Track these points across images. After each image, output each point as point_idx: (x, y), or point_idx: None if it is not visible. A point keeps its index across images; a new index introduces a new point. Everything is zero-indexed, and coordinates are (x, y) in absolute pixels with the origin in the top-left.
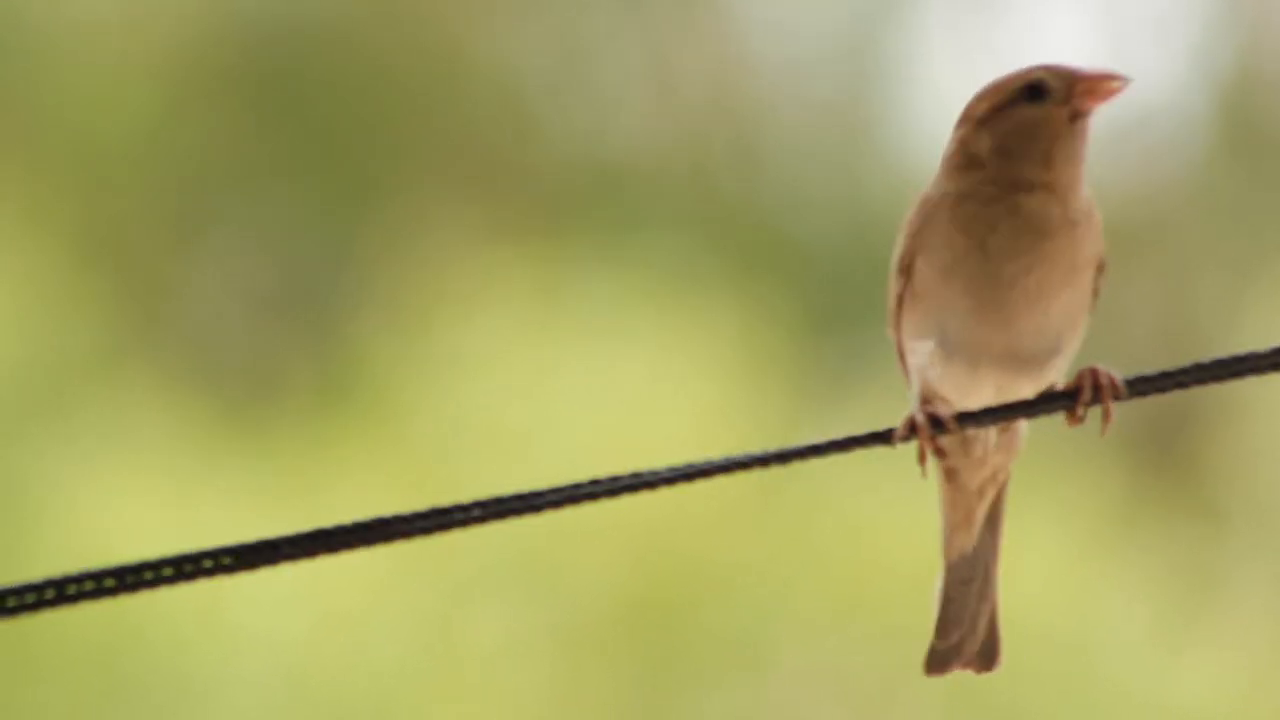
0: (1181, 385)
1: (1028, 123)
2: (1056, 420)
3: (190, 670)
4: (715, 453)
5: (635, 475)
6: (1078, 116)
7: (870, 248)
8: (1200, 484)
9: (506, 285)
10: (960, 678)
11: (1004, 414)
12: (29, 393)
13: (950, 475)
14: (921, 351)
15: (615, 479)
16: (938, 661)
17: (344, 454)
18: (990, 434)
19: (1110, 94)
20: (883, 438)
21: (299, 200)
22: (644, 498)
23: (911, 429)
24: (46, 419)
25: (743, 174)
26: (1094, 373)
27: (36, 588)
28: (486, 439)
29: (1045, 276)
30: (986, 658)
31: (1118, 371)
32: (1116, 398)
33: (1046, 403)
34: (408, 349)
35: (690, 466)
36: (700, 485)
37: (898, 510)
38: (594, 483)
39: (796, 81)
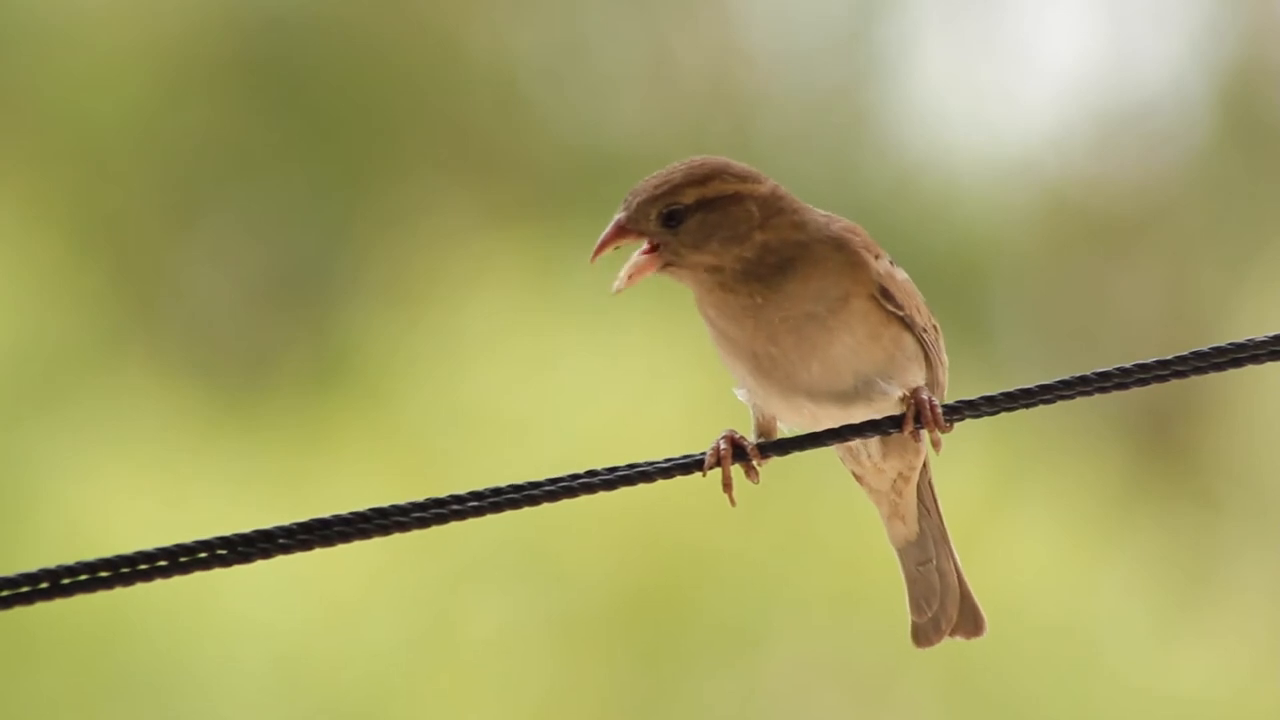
0: (1180, 374)
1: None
2: (1055, 410)
3: (187, 660)
4: (712, 442)
5: (632, 466)
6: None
7: None
8: (1199, 472)
9: (503, 272)
10: (956, 665)
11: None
12: (24, 381)
13: (858, 479)
14: (743, 393)
15: (612, 470)
16: (923, 635)
17: (340, 442)
18: (871, 444)
19: None
20: (894, 422)
21: (295, 188)
22: (641, 486)
23: (717, 459)
24: (42, 408)
25: (740, 162)
26: (917, 401)
27: (32, 578)
28: (483, 427)
29: (795, 342)
30: (972, 625)
31: (938, 398)
32: (937, 425)
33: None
34: (404, 336)
35: (687, 457)
36: (698, 474)
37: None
38: (591, 474)
39: (794, 72)
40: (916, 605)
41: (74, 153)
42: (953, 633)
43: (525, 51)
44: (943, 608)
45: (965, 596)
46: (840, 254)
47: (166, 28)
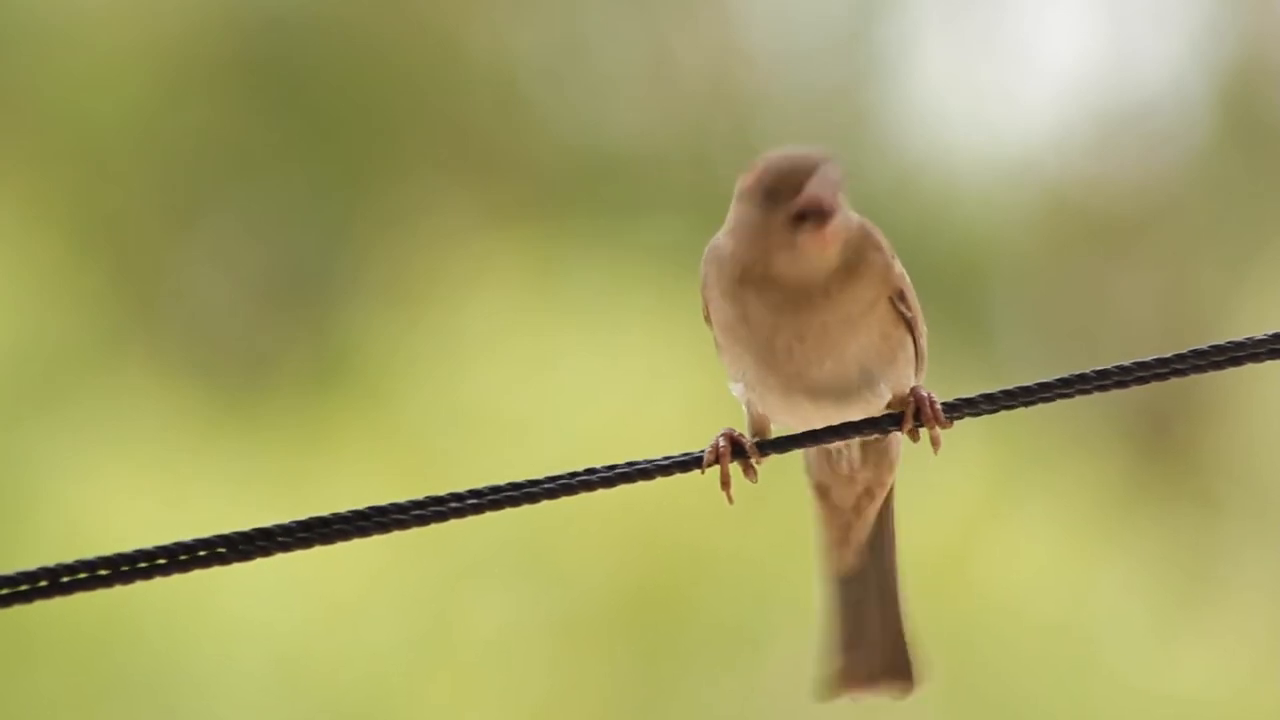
0: (1180, 373)
1: (752, 221)
2: (1055, 409)
3: (186, 660)
4: (711, 440)
5: (631, 464)
6: (800, 221)
7: None
8: (1198, 472)
9: (503, 272)
10: (956, 665)
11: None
12: (24, 381)
13: (821, 492)
14: (739, 389)
15: (612, 468)
16: (833, 683)
17: (340, 441)
18: (853, 449)
19: (823, 216)
20: (894, 420)
21: (295, 187)
22: (641, 485)
23: (716, 456)
24: (41, 407)
25: (740, 162)
26: (917, 399)
27: (31, 576)
28: (483, 426)
29: (820, 339)
30: (899, 679)
31: (938, 395)
32: (937, 421)
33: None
34: (404, 336)
35: (686, 455)
36: (697, 473)
37: (894, 497)
38: (590, 472)
39: (794, 70)
40: (835, 648)
41: (74, 153)
42: (869, 686)
43: (525, 51)
44: (869, 654)
45: (900, 647)
46: (878, 255)
47: (166, 28)
